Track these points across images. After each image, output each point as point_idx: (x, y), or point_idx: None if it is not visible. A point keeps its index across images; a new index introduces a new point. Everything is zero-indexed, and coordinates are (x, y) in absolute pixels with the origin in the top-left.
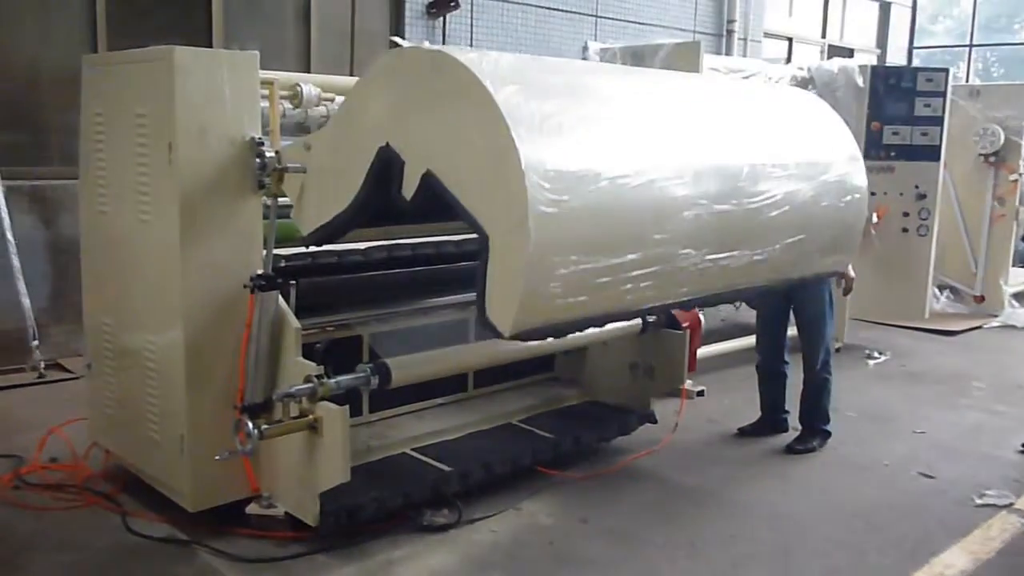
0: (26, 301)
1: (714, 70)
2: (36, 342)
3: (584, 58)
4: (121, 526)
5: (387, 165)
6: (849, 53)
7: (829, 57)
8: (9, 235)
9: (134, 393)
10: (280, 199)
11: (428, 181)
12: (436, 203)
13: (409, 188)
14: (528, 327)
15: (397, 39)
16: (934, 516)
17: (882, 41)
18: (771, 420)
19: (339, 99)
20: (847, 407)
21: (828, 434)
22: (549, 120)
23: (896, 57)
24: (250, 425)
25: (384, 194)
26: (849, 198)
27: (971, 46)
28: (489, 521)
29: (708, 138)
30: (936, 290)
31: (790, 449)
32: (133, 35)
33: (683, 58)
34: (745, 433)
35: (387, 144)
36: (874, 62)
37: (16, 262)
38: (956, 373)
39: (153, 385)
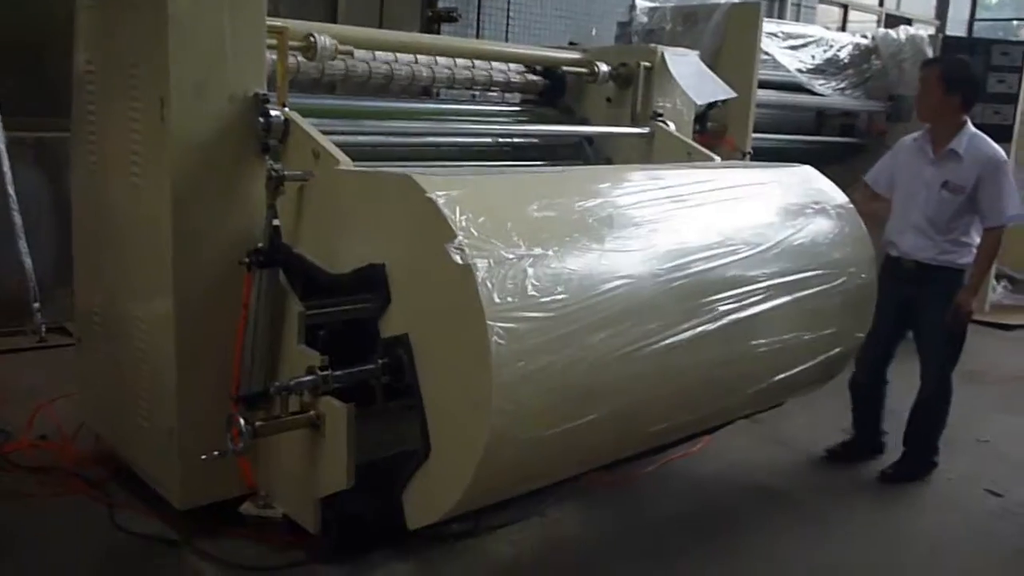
0: (28, 261)
1: (772, 35)
2: (38, 304)
3: (631, 18)
4: (107, 519)
5: (375, 280)
6: (906, 23)
7: (886, 26)
8: (11, 189)
9: (123, 376)
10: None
11: (402, 342)
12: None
13: (385, 329)
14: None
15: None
16: (1007, 543)
17: (942, 11)
18: (868, 441)
19: (359, 53)
20: (902, 411)
21: (933, 465)
22: (537, 358)
23: (955, 29)
24: (243, 422)
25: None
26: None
27: None
28: (510, 530)
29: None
30: (992, 280)
31: (884, 476)
32: None
33: (740, 21)
34: (837, 456)
35: (384, 265)
36: (932, 33)
37: (18, 219)
38: (1017, 373)
39: (143, 368)
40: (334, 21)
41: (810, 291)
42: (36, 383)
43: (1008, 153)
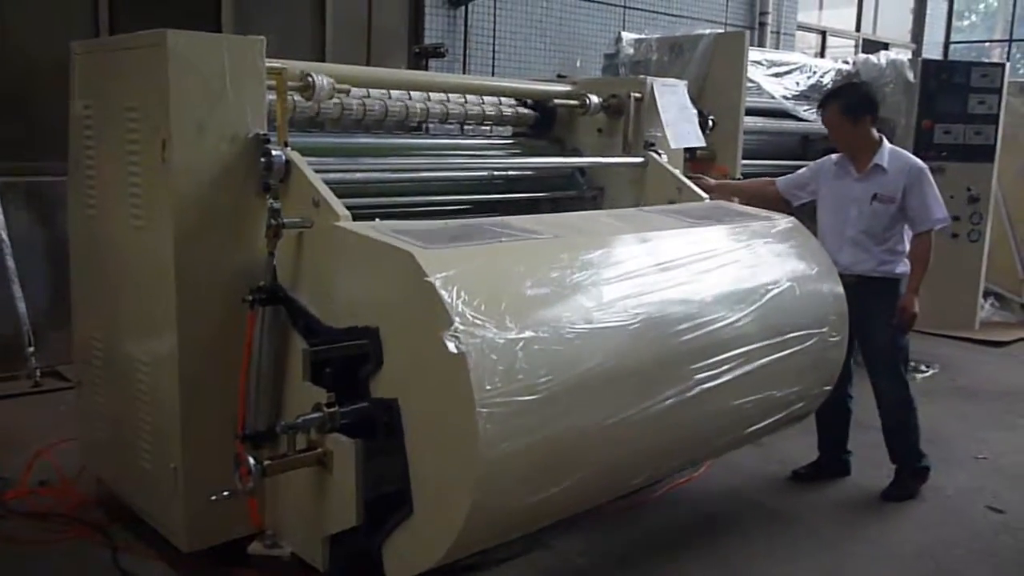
0: (21, 305)
1: (756, 63)
2: (32, 349)
3: (617, 49)
4: (111, 563)
5: (368, 342)
6: (884, 47)
7: (864, 51)
8: (3, 235)
9: (125, 418)
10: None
11: (390, 406)
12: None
13: (376, 390)
14: None
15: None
16: (1012, 560)
17: (917, 35)
18: (831, 462)
19: (355, 91)
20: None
21: (926, 470)
22: (522, 437)
23: (931, 52)
24: (251, 460)
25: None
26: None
27: (1011, 41)
28: (516, 562)
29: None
30: (980, 298)
31: (886, 495)
32: (137, 24)
33: (726, 50)
34: (801, 477)
35: (378, 329)
36: (909, 57)
37: (11, 263)
38: (1010, 389)
39: (145, 410)
40: (322, 58)
41: (785, 352)
42: (33, 428)
43: (991, 172)
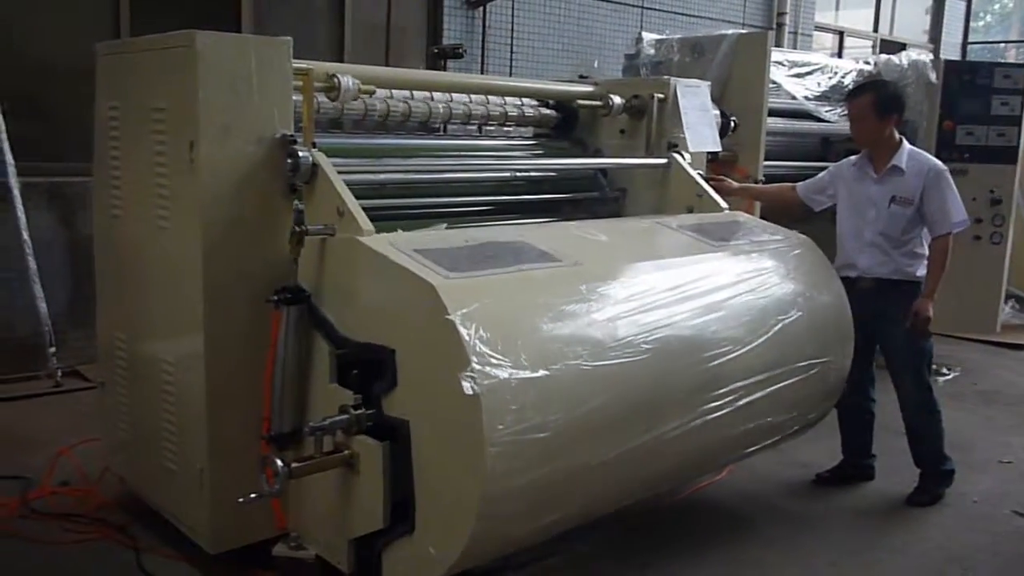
0: (42, 305)
1: (778, 63)
2: (53, 348)
3: (637, 50)
4: (134, 564)
5: (384, 361)
6: (901, 48)
7: (881, 52)
8: (25, 235)
9: (150, 418)
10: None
11: (402, 426)
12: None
13: (388, 408)
14: None
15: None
16: None
17: (935, 36)
18: (855, 466)
19: (380, 92)
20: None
21: (950, 473)
22: (527, 472)
23: (948, 53)
24: (278, 463)
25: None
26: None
27: None
28: (533, 567)
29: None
30: (1000, 301)
31: (911, 501)
32: (158, 25)
33: (749, 50)
34: (825, 481)
35: (394, 351)
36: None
37: (32, 264)
38: None
39: (170, 410)
40: (340, 58)
41: (790, 381)
42: (54, 428)
43: (1014, 174)
